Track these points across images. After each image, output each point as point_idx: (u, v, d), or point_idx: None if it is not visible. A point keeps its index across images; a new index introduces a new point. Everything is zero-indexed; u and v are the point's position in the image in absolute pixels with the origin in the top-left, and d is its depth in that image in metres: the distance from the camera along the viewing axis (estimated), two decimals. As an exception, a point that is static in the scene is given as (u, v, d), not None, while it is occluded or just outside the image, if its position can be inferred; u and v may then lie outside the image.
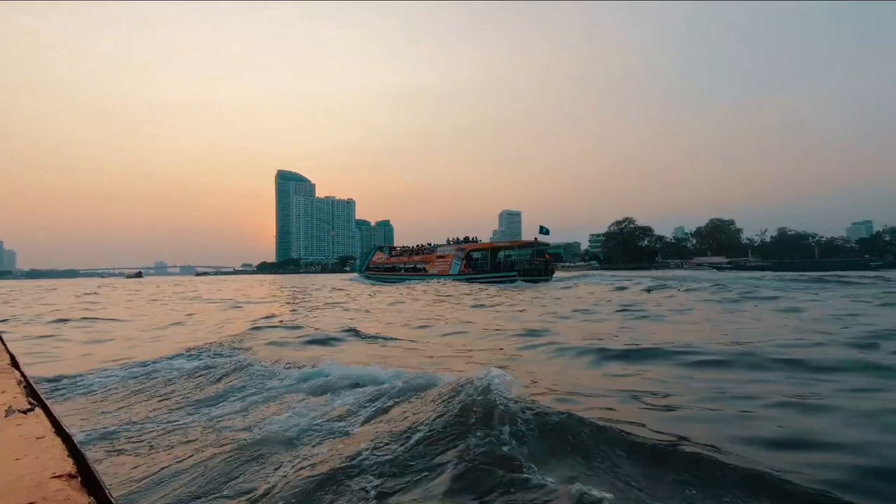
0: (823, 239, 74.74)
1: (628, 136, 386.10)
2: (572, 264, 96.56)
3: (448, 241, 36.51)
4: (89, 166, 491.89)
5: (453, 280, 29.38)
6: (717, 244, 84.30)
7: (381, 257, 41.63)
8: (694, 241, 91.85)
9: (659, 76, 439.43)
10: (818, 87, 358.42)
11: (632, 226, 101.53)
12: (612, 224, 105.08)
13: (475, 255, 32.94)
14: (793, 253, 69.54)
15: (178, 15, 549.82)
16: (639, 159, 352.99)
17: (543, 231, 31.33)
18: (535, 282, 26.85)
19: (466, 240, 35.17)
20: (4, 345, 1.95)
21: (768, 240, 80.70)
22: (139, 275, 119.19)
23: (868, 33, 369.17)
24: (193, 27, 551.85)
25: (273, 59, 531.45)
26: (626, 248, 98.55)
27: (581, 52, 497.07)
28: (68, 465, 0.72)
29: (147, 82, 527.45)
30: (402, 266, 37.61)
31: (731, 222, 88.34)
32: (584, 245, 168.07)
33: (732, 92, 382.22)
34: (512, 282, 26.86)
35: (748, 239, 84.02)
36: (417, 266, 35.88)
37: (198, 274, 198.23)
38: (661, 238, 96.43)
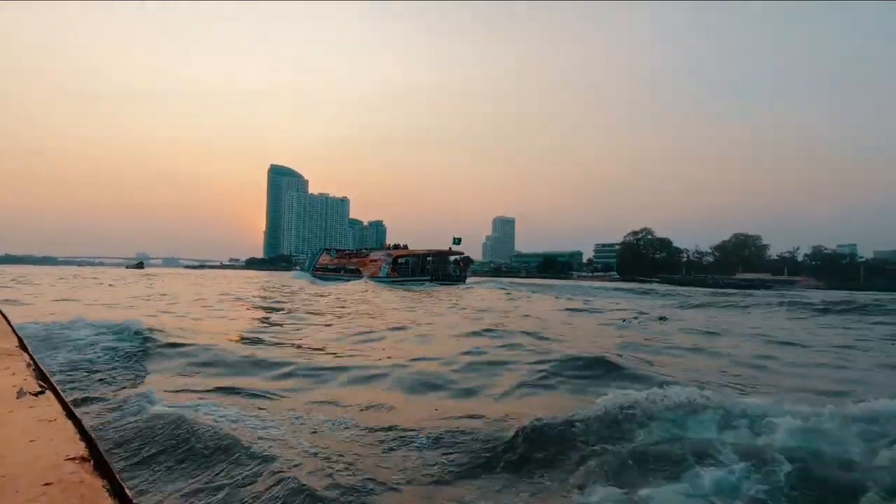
0: (862, 259, 70.74)
1: (631, 147, 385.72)
2: (588, 274, 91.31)
3: (382, 246, 43.42)
4: (73, 151, 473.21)
5: (378, 281, 33.03)
6: (742, 261, 79.80)
7: (326, 259, 44.89)
8: (717, 255, 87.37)
9: (666, 87, 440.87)
10: (814, 106, 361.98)
11: (649, 237, 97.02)
12: (628, 234, 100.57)
13: (401, 260, 36.65)
14: (832, 273, 65.08)
15: (176, 4, 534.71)
16: (642, 172, 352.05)
17: (456, 242, 35.83)
18: (445, 284, 30.81)
19: (396, 246, 40.01)
20: (12, 328, 2.04)
21: (800, 258, 76.50)
22: (140, 265, 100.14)
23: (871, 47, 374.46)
24: (190, 15, 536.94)
25: (270, 52, 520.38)
26: (641, 259, 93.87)
27: (585, 57, 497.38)
28: (80, 448, 0.75)
29: (135, 68, 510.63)
30: (342, 267, 40.92)
31: (758, 238, 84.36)
32: (588, 254, 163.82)
33: (740, 106, 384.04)
34: (421, 284, 31.11)
35: (778, 256, 79.74)
36: (355, 268, 39.39)
37: (200, 266, 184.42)
38: (680, 251, 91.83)
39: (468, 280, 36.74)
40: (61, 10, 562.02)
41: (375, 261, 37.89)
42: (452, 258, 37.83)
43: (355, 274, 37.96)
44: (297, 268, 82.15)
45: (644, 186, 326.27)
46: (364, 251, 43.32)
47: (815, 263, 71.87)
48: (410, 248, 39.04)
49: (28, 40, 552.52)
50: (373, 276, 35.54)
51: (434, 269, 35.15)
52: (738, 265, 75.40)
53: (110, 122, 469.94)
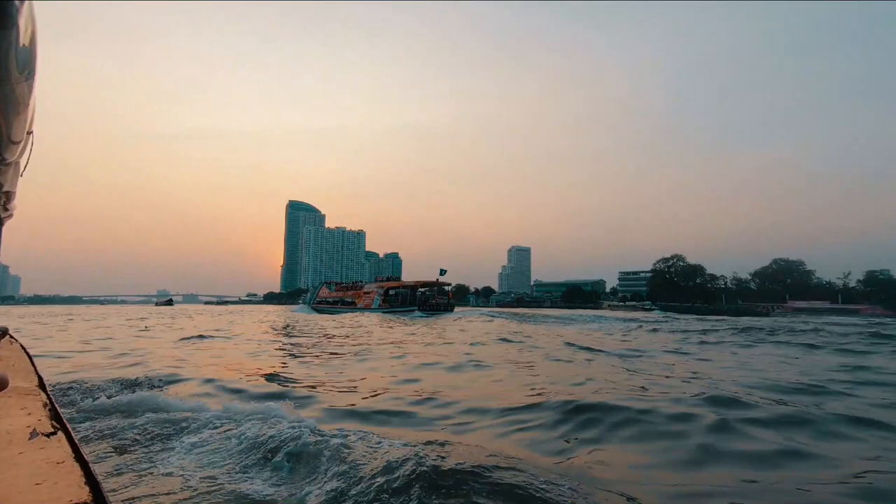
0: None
1: (650, 175, 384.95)
2: (620, 304, 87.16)
3: (376, 279, 46.44)
4: (96, 192, 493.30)
5: (371, 312, 34.89)
6: (785, 288, 75.62)
7: (325, 292, 47.01)
8: (757, 282, 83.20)
9: (680, 115, 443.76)
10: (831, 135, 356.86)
11: (681, 264, 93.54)
12: (658, 261, 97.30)
13: (392, 291, 38.45)
14: (889, 301, 60.65)
15: (195, 49, 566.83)
16: (660, 200, 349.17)
17: (442, 273, 37.49)
18: (431, 315, 31.45)
19: (388, 279, 43.11)
20: (34, 367, 2.11)
21: (852, 284, 72.04)
22: (169, 302, 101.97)
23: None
24: (208, 60, 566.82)
25: (289, 93, 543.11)
26: (674, 287, 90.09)
27: (596, 87, 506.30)
28: (84, 493, 0.75)
29: (159, 112, 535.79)
30: (340, 300, 42.65)
31: (801, 263, 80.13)
32: (612, 283, 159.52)
33: (753, 138, 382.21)
34: (409, 314, 32.10)
35: (828, 282, 75.36)
36: (352, 300, 41.20)
37: (221, 302, 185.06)
38: (716, 278, 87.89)
39: (456, 310, 37.95)
40: (90, 54, 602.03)
41: (369, 293, 39.92)
42: (439, 288, 39.36)
43: (351, 306, 40.21)
44: (300, 302, 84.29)
45: (664, 214, 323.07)
46: (359, 284, 45.51)
47: (869, 290, 67.42)
48: (424, 279, 40.26)
49: (62, 87, 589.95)
50: (366, 307, 37.73)
51: (424, 299, 36.49)
52: (782, 293, 71.30)
53: (129, 163, 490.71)
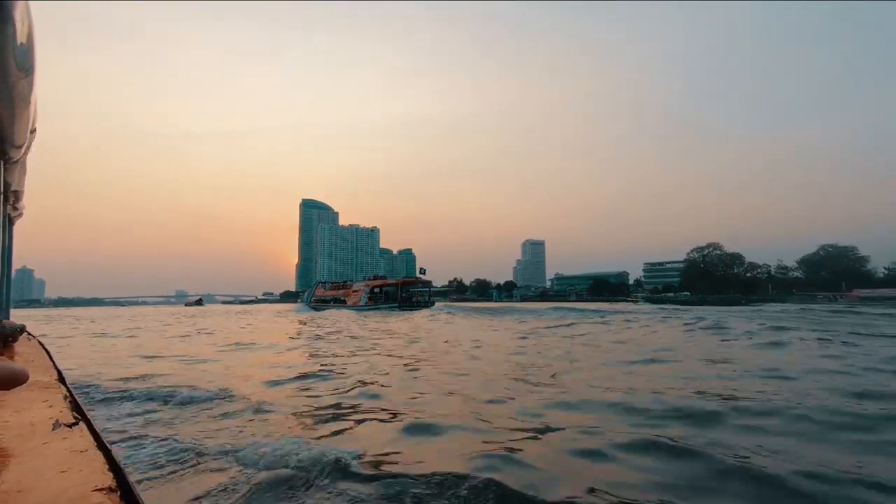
0: None
1: (664, 164, 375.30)
2: (654, 296, 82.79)
3: (364, 277, 51.06)
4: (113, 195, 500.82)
5: (357, 309, 37.18)
6: (835, 275, 70.35)
7: (321, 291, 50.61)
8: (803, 269, 77.95)
9: (686, 103, 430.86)
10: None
11: (717, 252, 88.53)
12: (693, 250, 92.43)
13: (376, 289, 40.94)
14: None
15: (206, 50, 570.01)
16: (676, 191, 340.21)
17: (422, 271, 41.73)
18: (410, 311, 32.67)
19: (375, 277, 46.36)
20: (53, 361, 2.18)
21: (915, 269, 66.65)
22: (200, 303, 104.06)
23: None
24: (217, 59, 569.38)
25: (296, 90, 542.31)
26: (711, 278, 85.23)
27: (603, 78, 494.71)
28: (108, 479, 0.77)
29: (171, 112, 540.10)
30: (333, 298, 45.48)
31: (853, 249, 74.58)
32: (634, 275, 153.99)
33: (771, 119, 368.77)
34: (391, 310, 34.37)
35: (886, 269, 69.91)
36: (343, 298, 43.94)
37: (240, 302, 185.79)
38: (757, 266, 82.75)
39: (436, 305, 40.18)
40: (104, 56, 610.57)
41: (357, 291, 42.74)
42: (420, 287, 42.44)
43: (342, 303, 42.81)
44: (298, 301, 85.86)
45: (689, 203, 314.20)
46: (349, 283, 49.06)
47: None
48: (431, 274, 45.41)
49: (82, 90, 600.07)
50: (354, 305, 40.43)
51: (406, 296, 39.06)
52: (834, 281, 66.20)
53: (144, 165, 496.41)
